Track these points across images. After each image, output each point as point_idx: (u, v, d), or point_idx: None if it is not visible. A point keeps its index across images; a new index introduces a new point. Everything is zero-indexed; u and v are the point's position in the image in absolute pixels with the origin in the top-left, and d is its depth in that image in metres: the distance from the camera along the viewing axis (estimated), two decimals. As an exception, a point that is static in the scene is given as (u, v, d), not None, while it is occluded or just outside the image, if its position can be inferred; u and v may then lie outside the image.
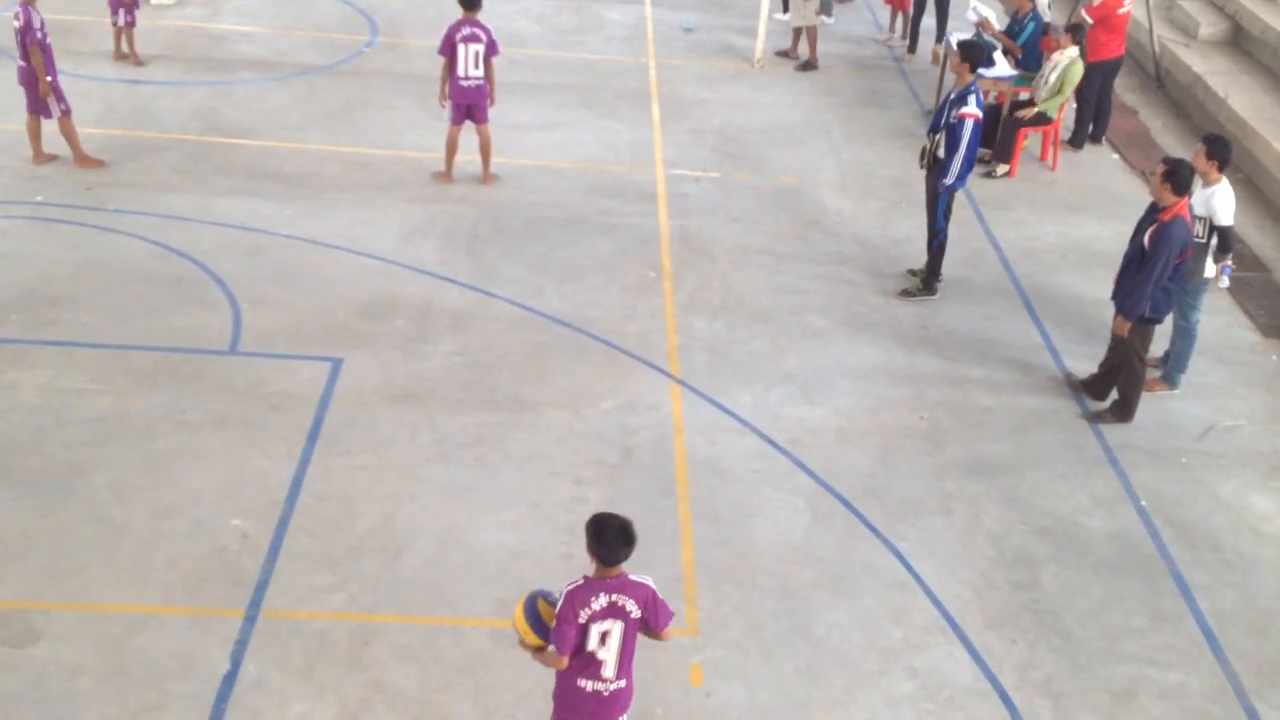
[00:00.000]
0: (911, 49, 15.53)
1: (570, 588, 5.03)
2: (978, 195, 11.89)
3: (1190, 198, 8.33)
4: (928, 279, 10.15)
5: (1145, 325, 8.51)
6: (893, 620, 6.93)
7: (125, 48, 13.41)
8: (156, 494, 7.37)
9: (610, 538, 4.98)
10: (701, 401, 8.62)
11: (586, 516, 7.28)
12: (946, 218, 9.95)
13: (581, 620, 5.00)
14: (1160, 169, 8.24)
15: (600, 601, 5.01)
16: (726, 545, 7.36)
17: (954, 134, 9.60)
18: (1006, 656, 6.76)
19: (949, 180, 9.72)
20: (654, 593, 5.13)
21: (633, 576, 5.09)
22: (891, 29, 16.11)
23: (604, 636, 5.07)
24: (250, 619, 6.55)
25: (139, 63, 13.36)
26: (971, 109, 9.57)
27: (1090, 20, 12.58)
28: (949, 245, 10.13)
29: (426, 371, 8.69)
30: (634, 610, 5.08)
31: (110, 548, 6.95)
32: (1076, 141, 13.22)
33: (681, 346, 9.21)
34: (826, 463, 8.12)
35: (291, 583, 6.81)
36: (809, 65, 14.86)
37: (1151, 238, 8.17)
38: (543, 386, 8.62)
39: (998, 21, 13.49)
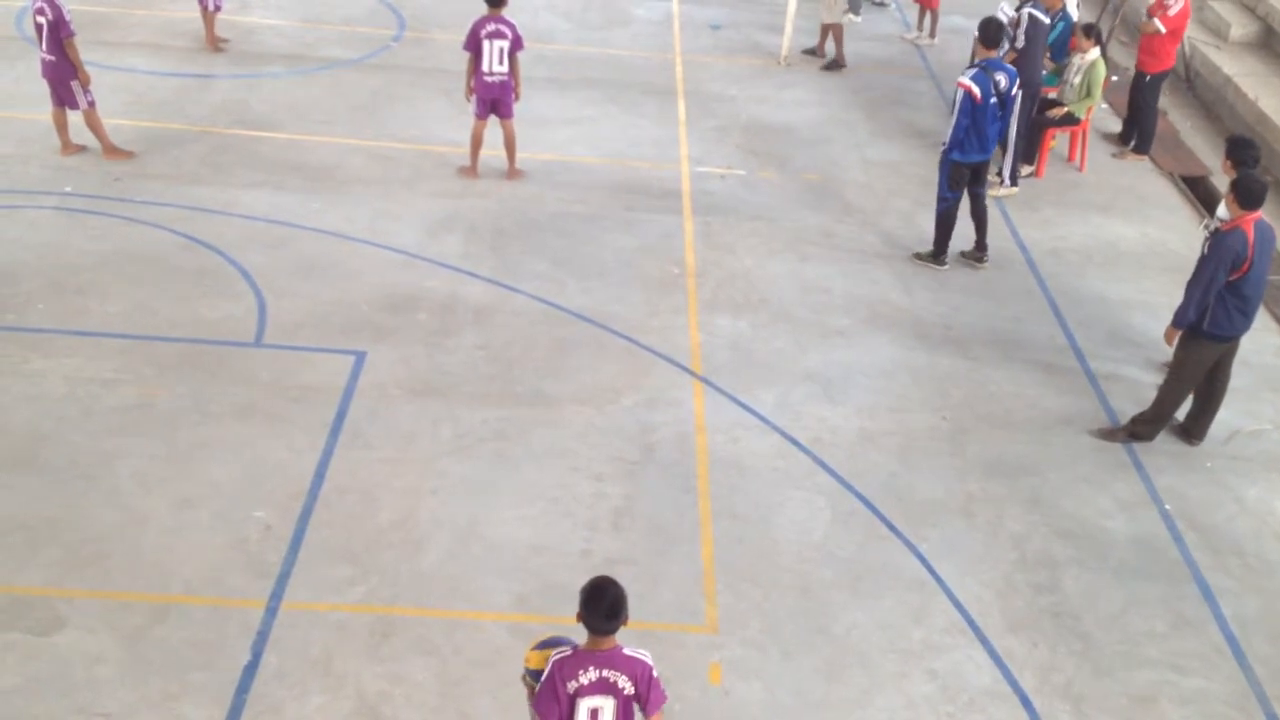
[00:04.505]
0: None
1: (558, 657, 4.76)
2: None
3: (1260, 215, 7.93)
4: (935, 250, 10.45)
5: (1200, 341, 8.12)
6: (913, 621, 6.90)
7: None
8: (180, 484, 7.41)
9: (597, 605, 4.67)
10: (723, 399, 8.61)
11: (607, 512, 7.43)
12: (951, 188, 10.24)
13: (570, 691, 4.72)
14: (1230, 180, 8.05)
15: (589, 675, 4.71)
16: (747, 543, 7.35)
17: (953, 104, 10.13)
18: (1027, 660, 6.73)
19: (944, 146, 10.15)
20: (650, 670, 4.80)
21: (628, 651, 4.79)
22: (920, 27, 16.05)
23: (594, 713, 4.76)
24: (271, 610, 6.58)
25: (218, 48, 13.67)
26: (964, 79, 9.92)
27: (1164, 29, 12.37)
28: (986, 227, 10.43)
29: (449, 365, 8.71)
30: (626, 686, 4.75)
31: (133, 537, 6.99)
32: (1141, 148, 13.00)
33: (704, 344, 9.20)
34: (848, 462, 8.10)
35: (312, 575, 6.84)
36: (835, 64, 14.74)
37: (1208, 245, 8.00)
38: (564, 382, 8.63)
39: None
